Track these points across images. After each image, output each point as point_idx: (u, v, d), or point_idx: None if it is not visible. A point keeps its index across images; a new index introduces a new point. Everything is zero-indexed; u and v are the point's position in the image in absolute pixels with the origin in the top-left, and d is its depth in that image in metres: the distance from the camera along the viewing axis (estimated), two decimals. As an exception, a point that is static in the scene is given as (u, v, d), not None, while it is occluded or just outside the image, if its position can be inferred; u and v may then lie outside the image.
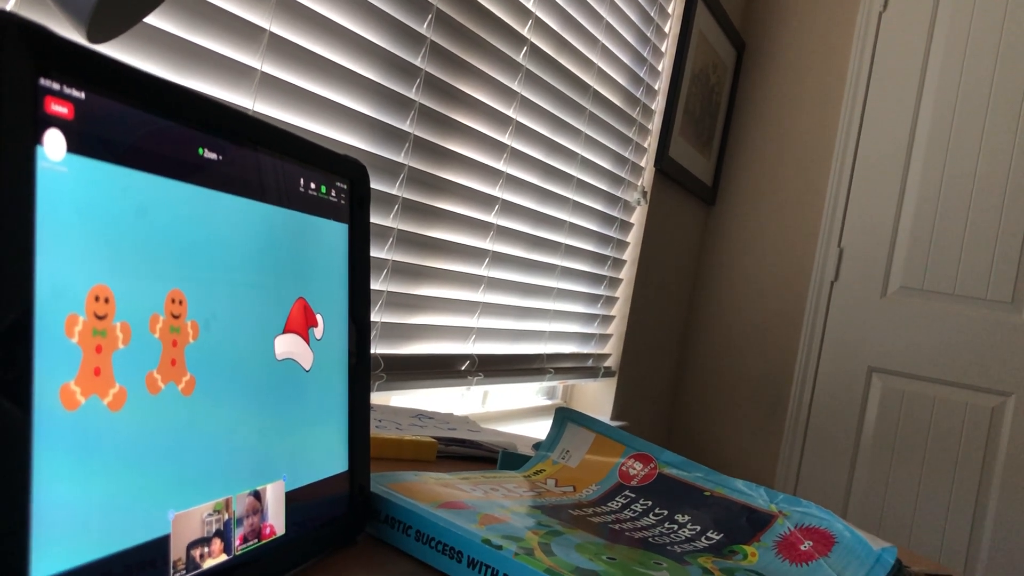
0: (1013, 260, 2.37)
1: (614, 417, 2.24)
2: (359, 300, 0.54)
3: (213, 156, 0.41)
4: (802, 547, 0.53)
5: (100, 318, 0.33)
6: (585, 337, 2.04)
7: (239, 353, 0.42)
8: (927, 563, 0.74)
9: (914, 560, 0.75)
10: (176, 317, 0.37)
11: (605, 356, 2.19)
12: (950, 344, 2.43)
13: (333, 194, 0.52)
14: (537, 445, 0.71)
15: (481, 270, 1.52)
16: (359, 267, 0.54)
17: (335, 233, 0.52)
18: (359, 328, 0.54)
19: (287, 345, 0.47)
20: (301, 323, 0.49)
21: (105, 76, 0.34)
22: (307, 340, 0.49)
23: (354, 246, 0.54)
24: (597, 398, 2.23)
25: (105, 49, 0.82)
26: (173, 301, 0.37)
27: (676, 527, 0.57)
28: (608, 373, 2.18)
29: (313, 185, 0.50)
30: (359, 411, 0.54)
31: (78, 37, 0.65)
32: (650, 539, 0.55)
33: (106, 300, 0.33)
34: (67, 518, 0.31)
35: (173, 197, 0.38)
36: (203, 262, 0.40)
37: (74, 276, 0.32)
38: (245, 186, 0.43)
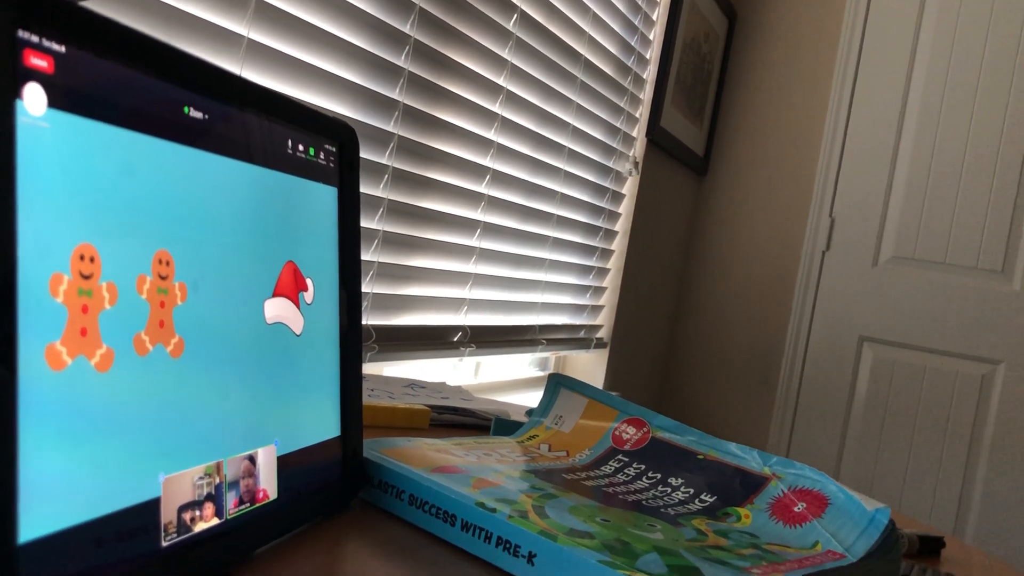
0: (1003, 229, 2.37)
1: (606, 388, 2.25)
2: (349, 265, 0.54)
3: (199, 115, 0.40)
4: (796, 509, 0.53)
5: (86, 278, 0.32)
6: (577, 308, 2.03)
7: (228, 316, 0.42)
8: (918, 525, 0.74)
9: (905, 523, 0.75)
10: (163, 278, 0.37)
11: (597, 327, 2.19)
12: (941, 313, 2.44)
13: (322, 156, 0.51)
14: (530, 412, 0.71)
15: (473, 241, 1.51)
16: (349, 231, 0.54)
17: (324, 196, 0.51)
18: (350, 294, 0.54)
19: (277, 309, 0.46)
20: (291, 287, 0.48)
21: (87, 30, 0.33)
22: (297, 304, 0.49)
23: (344, 210, 0.53)
24: (589, 369, 2.23)
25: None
26: (160, 262, 0.37)
27: (669, 490, 0.57)
28: (600, 344, 2.18)
29: (301, 147, 0.49)
30: (351, 377, 0.54)
31: None
32: (644, 502, 0.55)
33: (91, 259, 0.33)
34: (55, 480, 0.31)
35: (158, 156, 0.37)
36: (190, 223, 0.39)
37: (58, 234, 0.31)
38: (231, 146, 0.42)
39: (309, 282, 0.50)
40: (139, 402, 0.35)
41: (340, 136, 0.53)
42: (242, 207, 0.43)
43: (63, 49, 0.32)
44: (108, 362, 0.33)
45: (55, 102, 0.31)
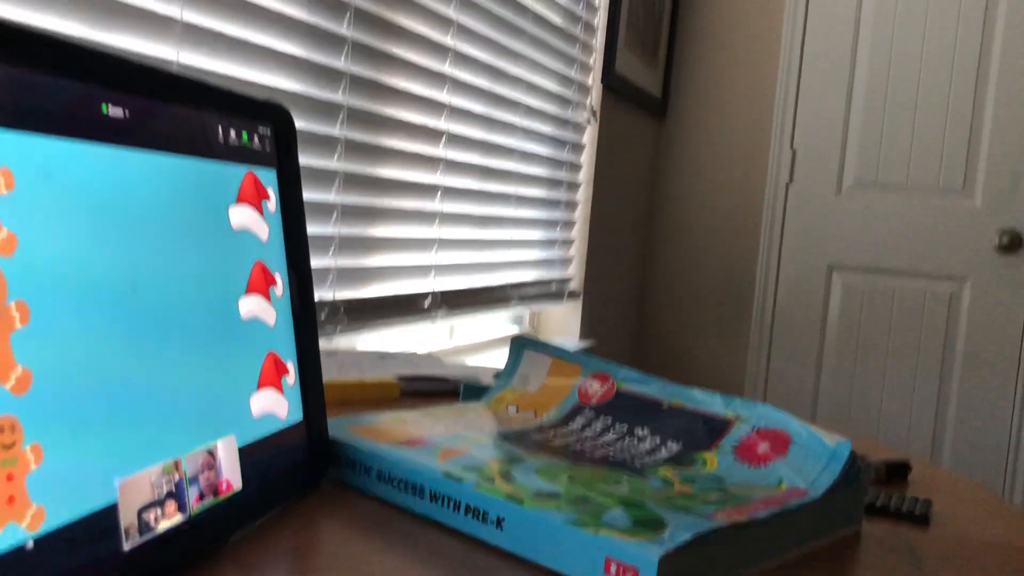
0: (962, 146, 2.39)
1: (582, 337, 2.26)
2: (296, 246, 0.53)
3: (119, 112, 0.39)
4: (759, 449, 0.54)
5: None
6: (547, 262, 2.04)
7: (182, 315, 0.41)
8: (887, 451, 0.75)
9: (875, 449, 0.76)
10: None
11: (568, 279, 2.19)
12: (906, 235, 2.46)
13: (256, 141, 0.50)
14: (498, 374, 0.71)
15: (434, 205, 1.50)
16: (292, 212, 0.53)
17: (264, 180, 0.51)
18: (298, 273, 0.53)
19: (251, 305, 0.48)
20: (261, 283, 0.49)
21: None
22: (268, 299, 0.50)
23: (285, 191, 0.53)
24: (564, 321, 2.24)
25: (5, 8, 0.78)
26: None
27: (636, 441, 0.58)
28: (573, 295, 2.19)
29: (234, 133, 0.48)
30: (309, 358, 0.54)
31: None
32: (611, 456, 0.55)
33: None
34: None
35: (79, 158, 0.36)
36: (118, 224, 0.38)
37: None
38: (159, 141, 0.41)
39: (277, 276, 0.51)
40: (86, 405, 0.35)
41: (273, 117, 0.52)
42: (178, 201, 0.42)
43: (-39, 59, 0.31)
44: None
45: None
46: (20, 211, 0.33)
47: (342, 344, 1.34)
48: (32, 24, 0.79)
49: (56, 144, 0.35)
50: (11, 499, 0.31)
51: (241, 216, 0.48)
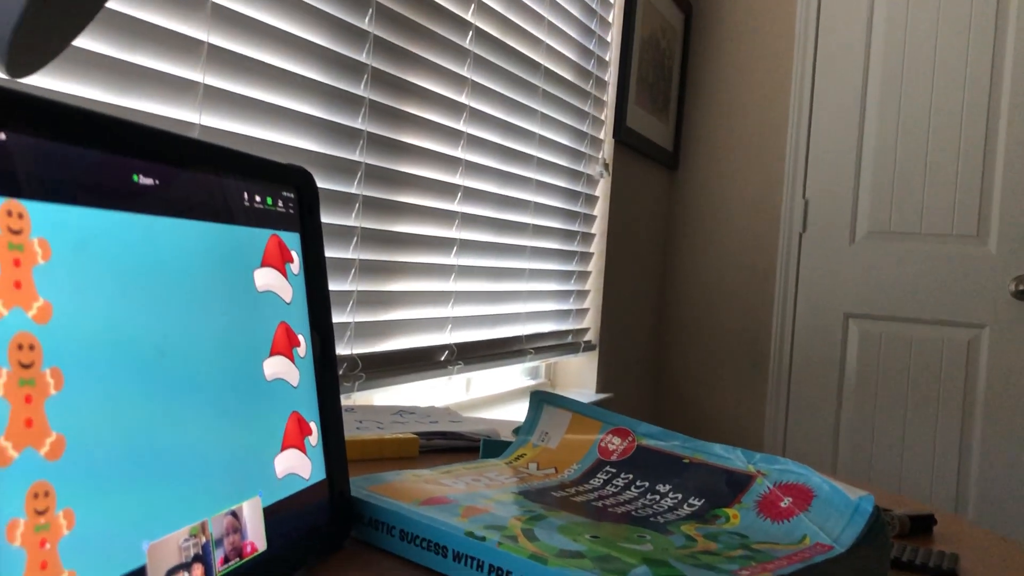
0: (974, 193, 2.40)
1: (599, 390, 2.25)
2: (318, 306, 0.54)
3: (149, 181, 0.40)
4: (782, 504, 0.54)
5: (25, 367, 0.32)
6: (562, 314, 2.04)
7: (208, 377, 0.42)
8: (911, 504, 0.75)
9: (898, 502, 0.76)
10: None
11: (584, 331, 2.19)
12: (922, 282, 2.46)
13: (280, 204, 0.52)
14: (517, 430, 0.71)
15: (450, 259, 1.52)
16: (315, 273, 0.54)
17: (288, 243, 0.52)
18: (321, 334, 0.54)
19: (275, 367, 0.49)
20: (285, 344, 0.50)
21: (23, 113, 0.33)
22: (292, 360, 0.50)
23: (308, 253, 0.54)
24: (580, 373, 2.24)
25: (34, 79, 0.80)
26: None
27: (658, 497, 0.58)
28: (589, 347, 2.18)
29: (258, 198, 0.49)
30: (331, 417, 0.54)
31: None
32: (633, 512, 0.55)
33: (31, 347, 0.33)
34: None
35: (112, 227, 0.37)
36: (151, 289, 0.39)
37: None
38: (187, 208, 0.43)
39: (301, 337, 0.52)
40: (117, 469, 0.35)
41: (296, 181, 0.53)
42: (205, 266, 0.43)
43: (2, 136, 0.32)
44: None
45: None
46: (56, 280, 0.34)
47: (359, 399, 1.34)
48: (64, 98, 0.82)
49: (91, 214, 0.36)
50: (44, 565, 0.31)
51: (266, 279, 0.49)
